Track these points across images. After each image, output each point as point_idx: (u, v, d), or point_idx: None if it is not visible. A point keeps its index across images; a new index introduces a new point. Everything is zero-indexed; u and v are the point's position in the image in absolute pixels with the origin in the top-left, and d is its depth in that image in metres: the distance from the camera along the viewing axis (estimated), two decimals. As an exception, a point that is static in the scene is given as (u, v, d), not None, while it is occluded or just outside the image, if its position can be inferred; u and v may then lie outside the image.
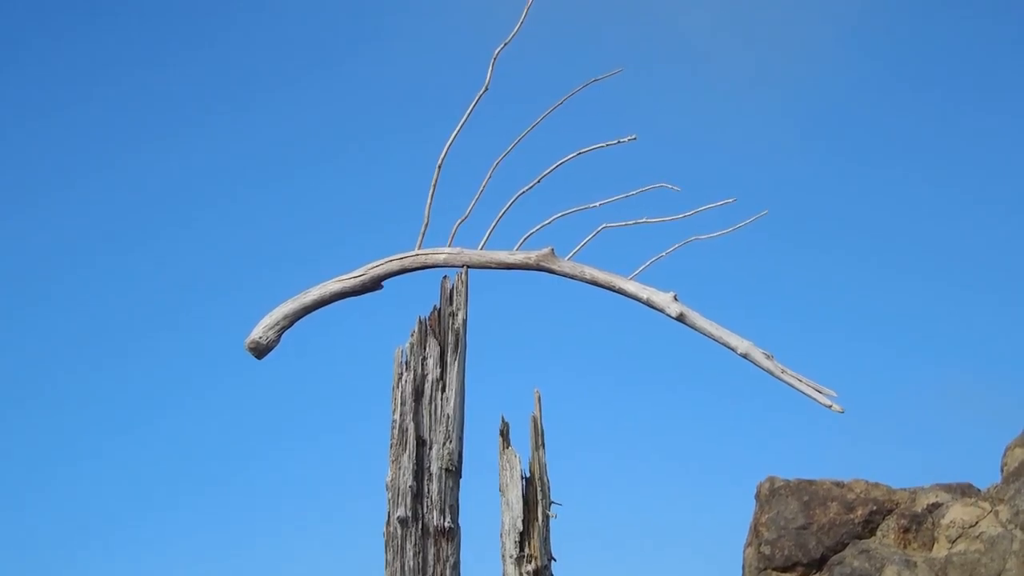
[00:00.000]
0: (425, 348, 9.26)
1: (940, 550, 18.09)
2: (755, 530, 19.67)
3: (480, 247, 9.54)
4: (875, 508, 18.98)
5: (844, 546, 18.80)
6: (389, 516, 8.99)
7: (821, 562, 18.88)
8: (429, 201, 9.59)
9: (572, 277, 9.45)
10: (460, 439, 9.19)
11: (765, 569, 18.91)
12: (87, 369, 32.43)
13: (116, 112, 35.51)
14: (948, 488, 19.14)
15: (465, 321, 9.37)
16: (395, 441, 9.08)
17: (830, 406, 8.86)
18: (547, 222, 9.56)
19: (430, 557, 8.91)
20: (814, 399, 8.92)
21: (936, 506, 18.66)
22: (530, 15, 9.54)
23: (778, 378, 9.02)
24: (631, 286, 9.33)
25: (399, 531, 8.92)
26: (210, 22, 36.81)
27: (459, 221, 9.57)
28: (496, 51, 9.57)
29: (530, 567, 9.16)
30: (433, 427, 9.13)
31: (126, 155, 35.74)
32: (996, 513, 17.95)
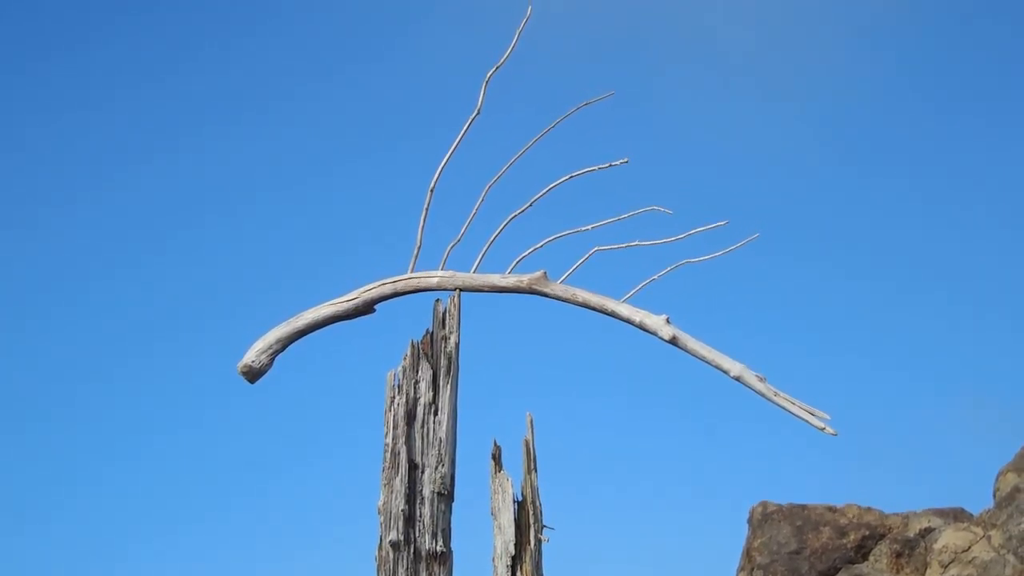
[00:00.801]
0: (418, 372, 9.25)
1: (933, 575, 18.05)
2: (748, 555, 19.64)
3: (472, 270, 9.54)
4: (868, 533, 18.98)
5: (837, 571, 18.76)
6: (381, 540, 8.96)
7: (814, 587, 18.82)
8: (421, 224, 9.59)
9: (564, 300, 9.45)
10: (452, 463, 9.17)
11: (758, 594, 18.87)
12: (75, 394, 32.33)
13: (102, 135, 35.53)
14: (941, 513, 19.16)
15: (458, 344, 9.36)
16: (387, 465, 9.06)
17: (823, 429, 8.85)
18: (539, 245, 9.57)
19: (422, 581, 8.88)
20: (807, 422, 8.91)
21: (929, 531, 18.66)
22: (523, 37, 9.57)
23: (771, 401, 9.01)
24: (623, 309, 9.33)
25: (391, 555, 8.89)
26: (197, 43, 36.86)
27: (451, 244, 9.57)
28: (488, 74, 9.59)
29: (522, 591, 9.13)
30: (425, 451, 9.11)
31: (120, 175, 35.77)
32: (989, 538, 17.94)
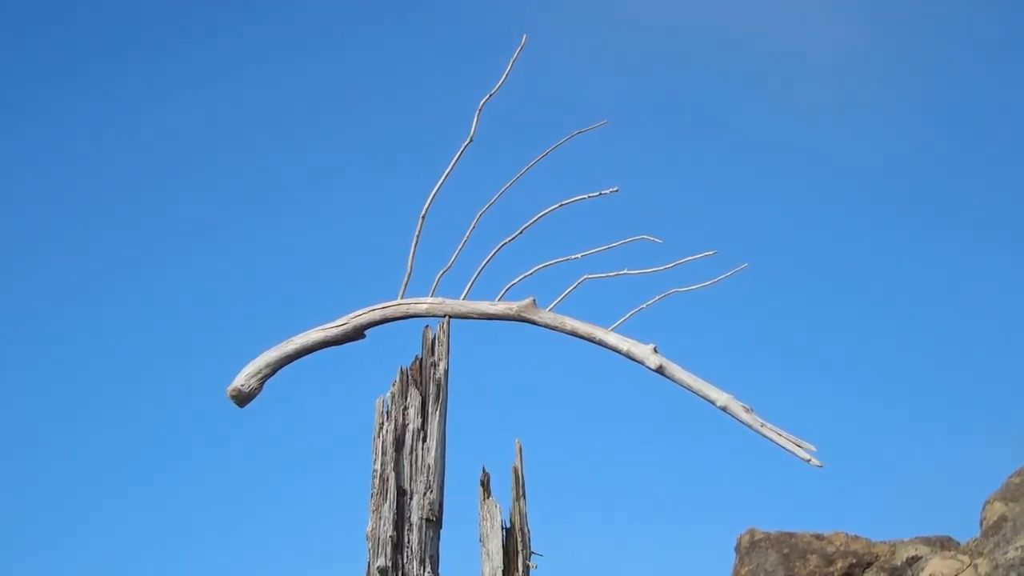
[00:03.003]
0: (406, 398, 9.26)
1: (919, 603, 18.06)
2: (735, 582, 19.64)
3: (462, 297, 9.57)
4: (855, 561, 19.00)
5: (824, 599, 18.76)
6: (369, 566, 8.96)
7: (801, 615, 18.83)
8: (412, 251, 9.62)
9: (553, 328, 9.48)
10: (441, 489, 9.17)
11: (745, 621, 18.89)
12: (50, 426, 32.22)
13: (99, 161, 35.55)
14: (928, 541, 19.18)
15: (446, 371, 9.38)
16: (376, 491, 9.07)
17: (809, 460, 8.88)
18: (529, 273, 9.60)
19: (409, 608, 8.88)
20: (793, 454, 8.93)
21: (916, 559, 18.69)
22: (516, 67, 9.61)
23: (757, 432, 9.03)
24: (612, 338, 9.36)
25: (378, 581, 8.88)
26: (189, 77, 36.94)
27: (442, 271, 9.61)
28: (481, 102, 9.63)
29: (509, 618, 9.14)
30: (414, 477, 9.12)
31: (115, 201, 35.78)
32: (976, 566, 17.96)
